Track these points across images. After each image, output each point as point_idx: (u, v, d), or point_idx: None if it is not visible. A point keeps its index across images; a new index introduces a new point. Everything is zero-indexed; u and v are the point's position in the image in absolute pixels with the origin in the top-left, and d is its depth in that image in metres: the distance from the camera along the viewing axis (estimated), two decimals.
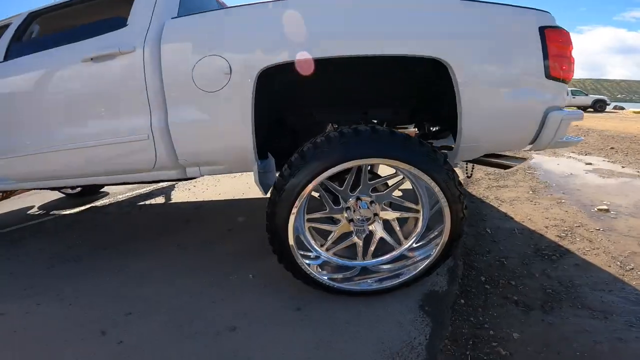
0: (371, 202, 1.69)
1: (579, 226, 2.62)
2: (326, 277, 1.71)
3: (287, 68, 1.63)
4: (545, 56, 1.60)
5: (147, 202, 3.75)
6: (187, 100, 1.67)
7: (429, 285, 1.85)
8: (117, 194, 4.15)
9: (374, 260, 1.79)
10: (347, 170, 1.61)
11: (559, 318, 1.60)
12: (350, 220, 1.70)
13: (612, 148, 5.94)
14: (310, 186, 1.51)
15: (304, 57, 1.57)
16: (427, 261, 1.69)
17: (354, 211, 1.69)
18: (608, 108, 18.57)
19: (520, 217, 2.82)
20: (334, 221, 1.76)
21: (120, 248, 2.54)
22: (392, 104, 2.11)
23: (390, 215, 1.73)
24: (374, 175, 1.80)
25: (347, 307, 1.71)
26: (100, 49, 1.78)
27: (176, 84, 1.68)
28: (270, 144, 2.07)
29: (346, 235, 1.75)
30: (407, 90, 2.08)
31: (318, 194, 1.71)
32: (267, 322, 1.65)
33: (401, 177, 1.69)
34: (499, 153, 2.03)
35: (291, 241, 1.59)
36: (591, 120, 12.35)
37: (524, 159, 1.98)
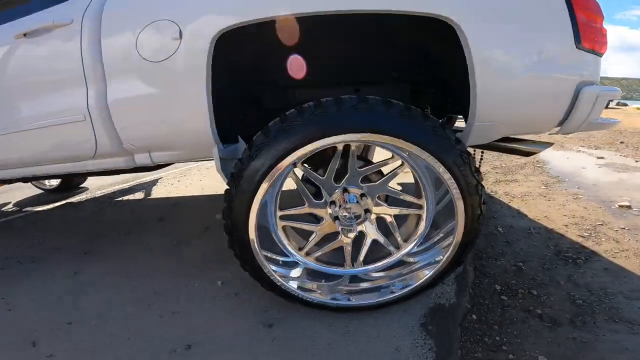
0: (362, 196, 1.34)
1: (601, 224, 2.31)
2: (296, 287, 1.36)
3: (257, 33, 1.30)
4: (574, 23, 1.29)
5: (124, 197, 3.42)
6: (129, 74, 1.36)
7: (433, 297, 1.49)
8: (95, 189, 3.83)
9: (364, 268, 1.43)
10: (330, 154, 1.27)
11: (592, 334, 1.32)
12: (336, 218, 1.35)
13: (621, 142, 5.71)
14: (275, 171, 1.16)
15: (272, 16, 1.22)
16: (433, 269, 1.33)
17: (340, 206, 1.33)
18: (611, 104, 18.26)
19: (535, 215, 2.49)
20: (317, 219, 1.41)
21: (82, 248, 2.24)
22: (390, 79, 1.75)
23: (386, 211, 1.38)
24: (366, 162, 1.45)
25: (332, 325, 1.37)
26: (36, 23, 1.51)
27: (117, 55, 1.37)
28: (247, 130, 1.73)
29: (332, 237, 1.40)
30: (408, 62, 1.72)
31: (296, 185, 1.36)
32: (231, 341, 1.32)
33: (399, 162, 1.34)
34: (518, 137, 1.68)
35: (253, 243, 1.24)
36: None
37: (549, 144, 1.63)
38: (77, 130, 1.46)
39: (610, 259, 1.89)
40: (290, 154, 1.13)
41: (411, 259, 1.42)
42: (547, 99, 1.37)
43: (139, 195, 3.47)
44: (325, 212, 1.35)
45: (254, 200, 1.17)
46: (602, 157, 4.45)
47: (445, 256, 1.30)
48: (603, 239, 2.10)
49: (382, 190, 1.35)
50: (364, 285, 1.40)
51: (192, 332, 1.38)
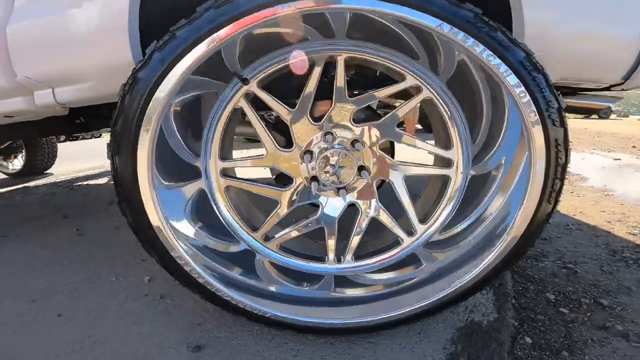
0: (353, 143, 0.80)
1: None
2: (232, 292, 0.81)
3: None
4: None
5: (86, 182, 2.89)
6: None
7: (462, 311, 0.94)
8: (60, 174, 3.31)
9: (353, 265, 0.87)
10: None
11: None
12: (313, 179, 0.81)
13: (634, 147, 5.35)
14: (181, 70, 0.64)
15: None
16: (472, 272, 0.76)
17: (320, 159, 0.80)
18: (612, 115, 18.06)
19: (568, 210, 1.99)
20: (287, 180, 0.87)
21: (1, 232, 1.72)
22: None
23: (393, 170, 0.84)
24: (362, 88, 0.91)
25: (298, 355, 0.82)
26: None
27: None
28: None
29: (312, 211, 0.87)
30: None
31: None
32: None
33: (412, 86, 0.79)
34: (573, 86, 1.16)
35: (152, 215, 0.71)
36: (599, 125, 11.51)
37: (617, 97, 1.12)
38: None
39: None
40: (214, 33, 0.62)
41: (431, 254, 0.87)
42: (611, 38, 0.87)
43: (103, 180, 2.94)
44: (296, 168, 0.81)
45: (142, 123, 0.63)
46: (618, 159, 4.07)
47: (498, 247, 0.71)
48: None
49: (387, 134, 0.81)
50: (358, 293, 0.85)
51: (79, 344, 0.85)
